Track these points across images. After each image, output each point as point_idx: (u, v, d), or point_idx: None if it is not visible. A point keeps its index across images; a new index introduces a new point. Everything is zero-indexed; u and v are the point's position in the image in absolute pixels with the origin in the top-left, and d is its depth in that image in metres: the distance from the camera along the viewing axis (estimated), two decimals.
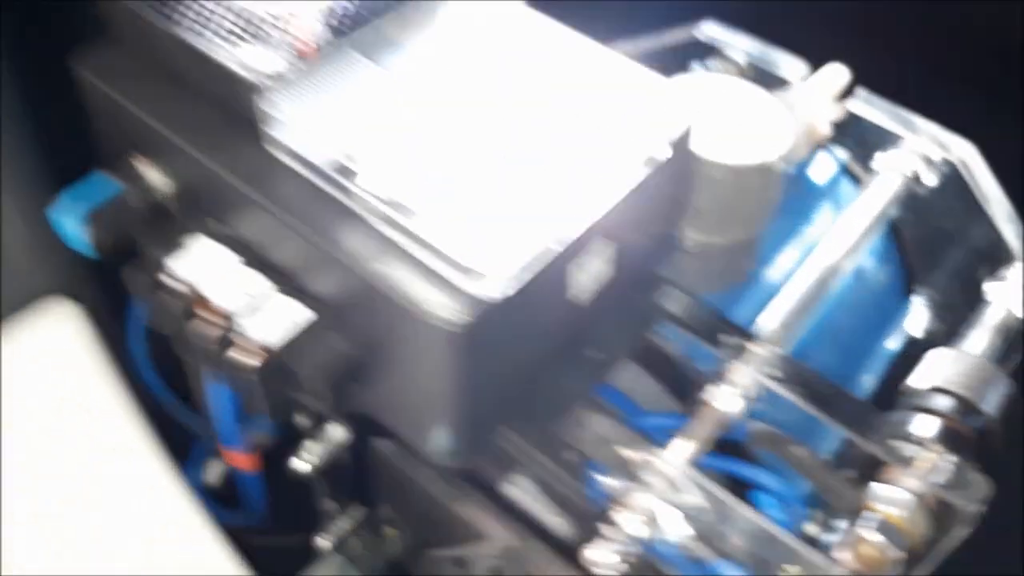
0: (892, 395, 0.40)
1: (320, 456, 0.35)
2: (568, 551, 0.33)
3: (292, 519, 0.38)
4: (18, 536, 0.29)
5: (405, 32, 0.27)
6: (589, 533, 0.32)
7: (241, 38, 0.25)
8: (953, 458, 0.29)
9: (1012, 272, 0.40)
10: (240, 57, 0.24)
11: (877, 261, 0.41)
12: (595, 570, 0.28)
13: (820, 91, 0.40)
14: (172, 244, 0.26)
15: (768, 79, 0.42)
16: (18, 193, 0.29)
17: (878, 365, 0.41)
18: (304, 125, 0.24)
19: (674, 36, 0.44)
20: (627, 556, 0.28)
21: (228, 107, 0.25)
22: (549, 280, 0.24)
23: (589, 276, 0.26)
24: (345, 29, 0.26)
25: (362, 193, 0.23)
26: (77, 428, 0.30)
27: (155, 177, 0.27)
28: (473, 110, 0.26)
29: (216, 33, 0.25)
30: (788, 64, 0.42)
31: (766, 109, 0.33)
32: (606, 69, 0.28)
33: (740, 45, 0.43)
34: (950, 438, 0.31)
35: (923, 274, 0.43)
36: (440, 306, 0.22)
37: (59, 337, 0.29)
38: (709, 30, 0.43)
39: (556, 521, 0.34)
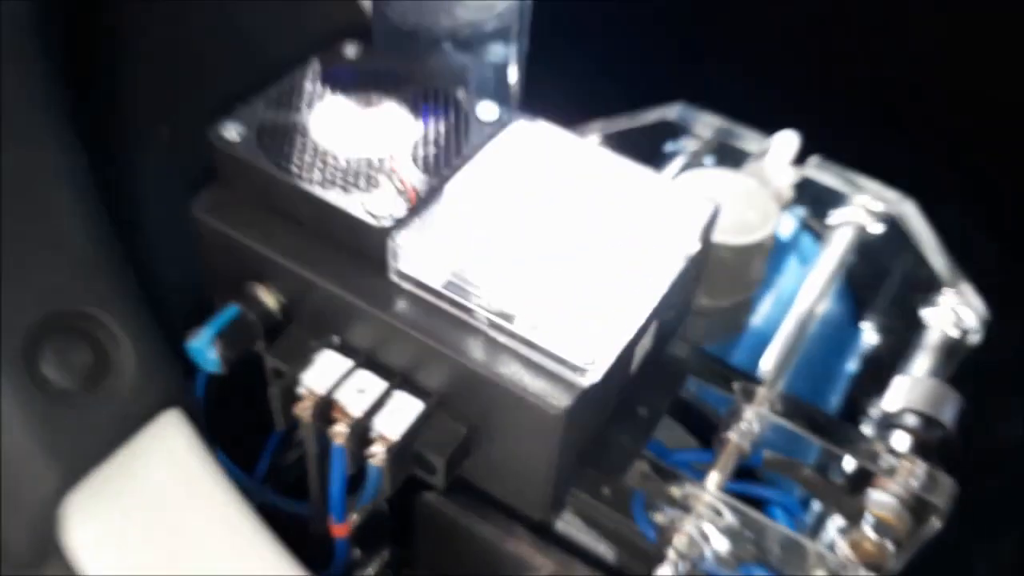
0: (854, 408, 0.48)
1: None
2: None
3: None
4: None
5: (480, 169, 0.33)
6: (636, 560, 0.38)
7: (355, 186, 0.30)
8: (924, 465, 0.37)
9: (943, 298, 0.48)
10: (366, 206, 0.29)
11: (834, 299, 0.48)
12: None
13: (778, 159, 0.48)
14: (292, 356, 0.32)
15: (733, 152, 0.50)
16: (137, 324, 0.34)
17: (841, 386, 0.49)
18: (422, 257, 0.30)
19: (648, 117, 0.51)
20: (686, 572, 0.34)
21: (353, 245, 0.30)
22: (622, 361, 0.30)
23: (642, 350, 0.33)
24: (431, 169, 0.32)
25: (475, 307, 0.29)
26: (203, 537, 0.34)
27: (270, 299, 0.32)
28: (548, 228, 0.32)
29: (331, 182, 0.30)
30: (748, 137, 0.50)
31: (753, 193, 0.40)
32: (637, 180, 0.34)
33: (707, 123, 0.50)
34: (920, 449, 0.38)
35: (869, 305, 0.51)
36: (547, 394, 0.28)
37: (180, 448, 0.34)
38: (680, 111, 0.50)
39: (602, 549, 0.40)
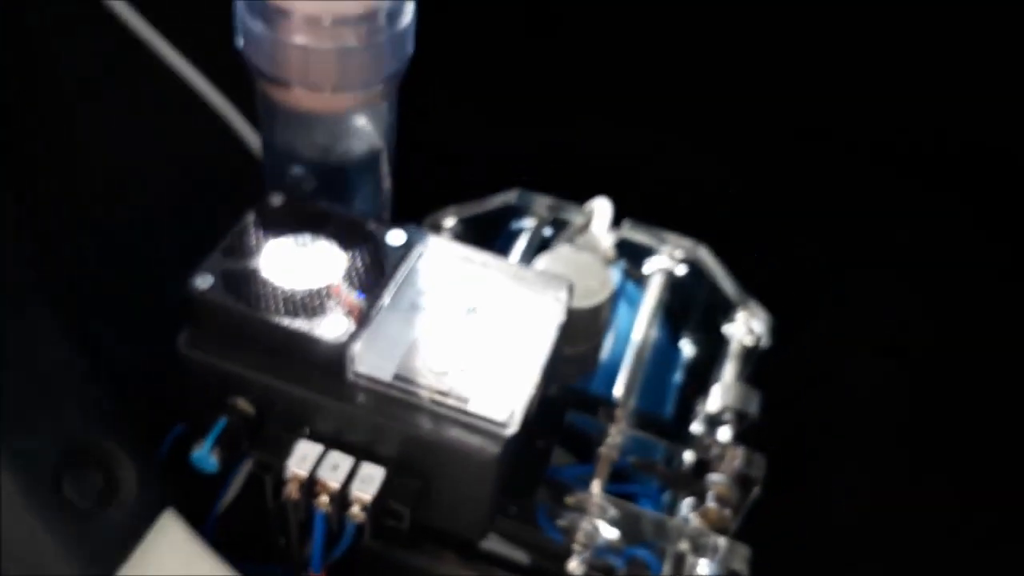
0: (686, 412, 0.61)
1: None
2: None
3: None
4: None
5: (400, 284, 0.43)
6: (548, 559, 0.49)
7: (311, 312, 0.39)
8: (743, 449, 0.50)
9: (737, 315, 0.63)
10: (323, 328, 0.39)
11: (657, 327, 0.62)
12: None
13: (600, 225, 0.61)
14: (274, 450, 0.40)
15: (562, 223, 0.62)
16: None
17: (672, 396, 0.62)
18: (372, 359, 0.39)
19: (495, 201, 0.63)
20: (589, 560, 0.45)
21: (314, 358, 0.39)
22: (528, 411, 0.41)
23: (536, 398, 0.44)
24: (365, 289, 0.41)
25: (418, 391, 0.39)
26: None
27: (249, 408, 0.41)
28: (456, 320, 0.42)
29: (290, 312, 0.39)
30: (572, 209, 0.63)
31: (592, 263, 0.52)
32: (511, 271, 0.45)
33: (540, 203, 0.62)
34: (738, 437, 0.52)
35: (683, 328, 0.64)
36: (483, 446, 0.39)
37: (180, 540, 0.41)
38: (519, 196, 0.62)
39: (519, 556, 0.50)
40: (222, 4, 0.46)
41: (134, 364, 0.46)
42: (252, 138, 0.62)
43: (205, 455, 0.39)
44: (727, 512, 0.48)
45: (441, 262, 0.45)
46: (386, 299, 0.42)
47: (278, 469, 0.40)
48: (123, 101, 0.57)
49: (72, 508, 0.39)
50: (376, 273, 0.42)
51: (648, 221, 0.62)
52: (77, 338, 0.40)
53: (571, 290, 0.45)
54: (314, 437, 0.41)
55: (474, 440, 0.39)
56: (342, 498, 0.39)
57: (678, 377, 0.63)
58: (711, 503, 0.48)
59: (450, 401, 0.39)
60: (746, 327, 0.61)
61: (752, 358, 0.61)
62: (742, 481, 0.49)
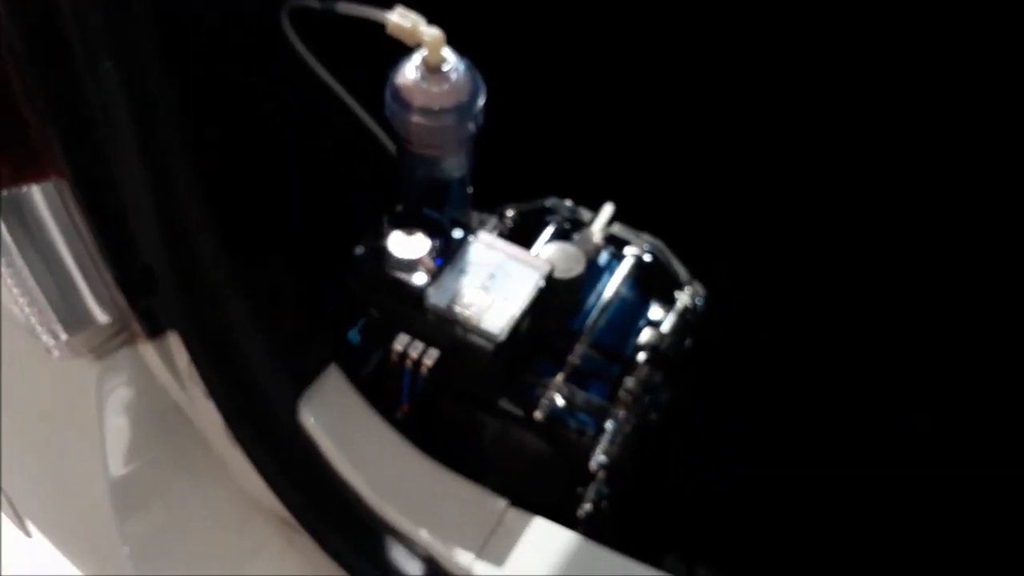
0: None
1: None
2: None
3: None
4: None
5: (458, 259, 0.82)
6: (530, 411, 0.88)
7: (409, 269, 0.79)
8: (647, 366, 0.86)
9: (686, 288, 0.98)
10: (413, 278, 0.78)
11: (629, 290, 0.98)
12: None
13: (599, 223, 0.97)
14: (387, 336, 0.80)
15: (578, 221, 0.99)
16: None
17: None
18: (436, 295, 0.79)
19: (537, 204, 1.00)
20: (547, 414, 0.84)
21: (408, 293, 0.79)
22: (516, 326, 0.79)
23: (524, 325, 0.82)
24: (437, 259, 0.80)
25: (457, 314, 0.78)
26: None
27: (376, 314, 0.81)
28: (482, 278, 0.81)
29: (399, 268, 0.79)
30: (585, 214, 0.99)
31: (574, 253, 0.89)
32: (524, 255, 0.83)
33: (564, 207, 0.99)
34: (649, 360, 0.88)
35: (651, 294, 1.01)
36: (484, 344, 0.77)
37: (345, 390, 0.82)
38: (552, 202, 1.00)
39: (515, 409, 0.89)
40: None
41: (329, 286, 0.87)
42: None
43: (355, 334, 0.80)
44: (628, 399, 0.85)
45: (482, 247, 0.83)
46: (449, 266, 0.81)
47: (388, 346, 0.80)
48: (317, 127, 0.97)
49: (290, 356, 0.80)
50: (445, 252, 0.81)
51: (636, 224, 0.99)
52: (299, 277, 0.82)
53: (551, 270, 0.83)
54: (409, 333, 0.81)
55: (481, 341, 0.78)
56: (416, 363, 0.79)
57: (643, 323, 0.99)
58: (622, 393, 0.85)
59: (471, 321, 0.78)
60: (689, 296, 0.97)
61: (690, 313, 0.97)
62: (645, 385, 0.86)
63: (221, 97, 0.74)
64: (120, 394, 0.81)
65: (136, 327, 0.79)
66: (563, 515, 0.91)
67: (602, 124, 1.28)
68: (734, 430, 1.16)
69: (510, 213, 1.00)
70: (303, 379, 0.81)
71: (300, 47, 0.90)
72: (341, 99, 0.96)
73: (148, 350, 0.81)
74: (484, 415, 0.88)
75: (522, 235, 1.00)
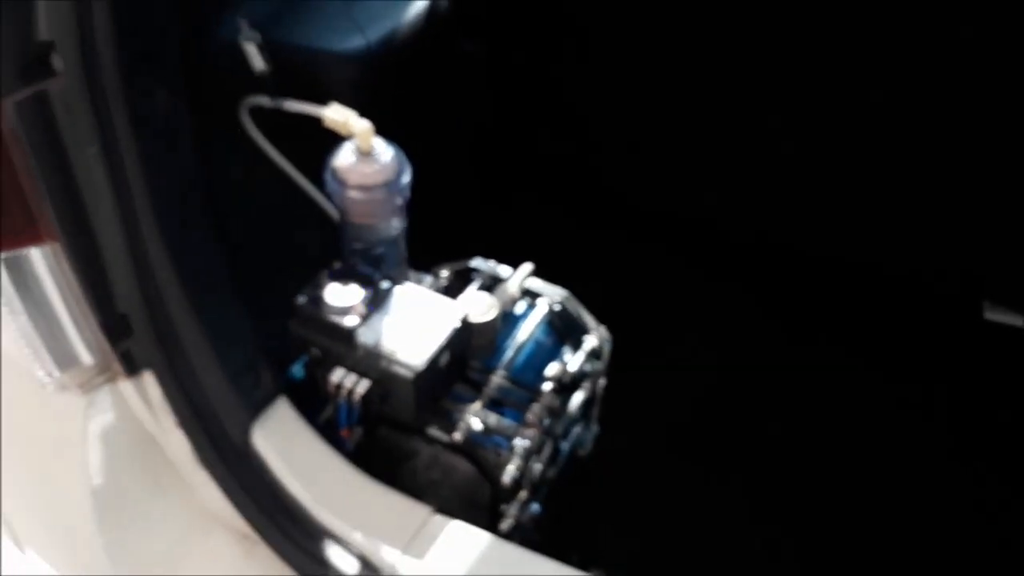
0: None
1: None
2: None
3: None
4: None
5: (385, 306, 0.98)
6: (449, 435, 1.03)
7: (343, 314, 0.95)
8: (551, 394, 1.02)
9: (592, 332, 1.14)
10: (345, 321, 0.94)
11: (544, 335, 1.14)
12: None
13: (516, 279, 1.14)
14: (324, 371, 0.96)
15: (497, 278, 1.16)
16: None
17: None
18: (365, 335, 0.95)
19: (465, 264, 1.17)
20: (465, 435, 0.98)
21: (341, 335, 0.95)
22: (434, 360, 0.95)
23: (443, 360, 0.97)
24: (367, 305, 0.97)
25: (382, 351, 0.94)
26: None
27: (317, 353, 0.97)
28: (404, 321, 0.97)
29: (333, 313, 0.95)
30: (504, 271, 1.16)
31: (490, 302, 1.05)
32: (438, 302, 1.00)
33: (486, 266, 1.16)
34: (554, 390, 1.03)
35: (565, 339, 1.16)
36: (405, 374, 0.93)
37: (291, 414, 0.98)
38: (476, 262, 1.17)
39: (440, 434, 1.04)
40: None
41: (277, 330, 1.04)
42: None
43: (298, 369, 0.96)
44: (535, 421, 1.00)
45: (407, 296, 1.00)
46: (378, 311, 0.97)
47: (326, 379, 0.96)
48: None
49: (244, 389, 0.96)
50: (375, 300, 0.98)
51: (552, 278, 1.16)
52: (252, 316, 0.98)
53: (466, 314, 0.99)
54: (343, 367, 0.96)
55: (403, 371, 0.93)
56: (350, 393, 0.95)
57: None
58: (530, 417, 1.00)
59: (394, 354, 0.94)
60: (596, 338, 1.13)
61: (599, 353, 1.13)
62: (549, 410, 1.01)
63: (185, 179, 0.92)
64: (102, 424, 0.96)
65: (116, 367, 0.95)
66: (491, 530, 1.05)
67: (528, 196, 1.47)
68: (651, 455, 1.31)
69: (443, 272, 1.17)
70: (255, 408, 0.97)
71: (257, 136, 1.09)
72: (291, 178, 1.14)
73: (127, 387, 0.97)
74: (418, 442, 1.03)
75: (452, 291, 1.17)
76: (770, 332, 1.56)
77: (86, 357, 0.91)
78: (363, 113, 1.01)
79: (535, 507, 1.12)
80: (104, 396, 0.96)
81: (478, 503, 1.04)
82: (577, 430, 1.21)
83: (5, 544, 0.93)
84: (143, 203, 0.87)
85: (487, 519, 1.06)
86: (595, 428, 1.26)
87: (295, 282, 0.98)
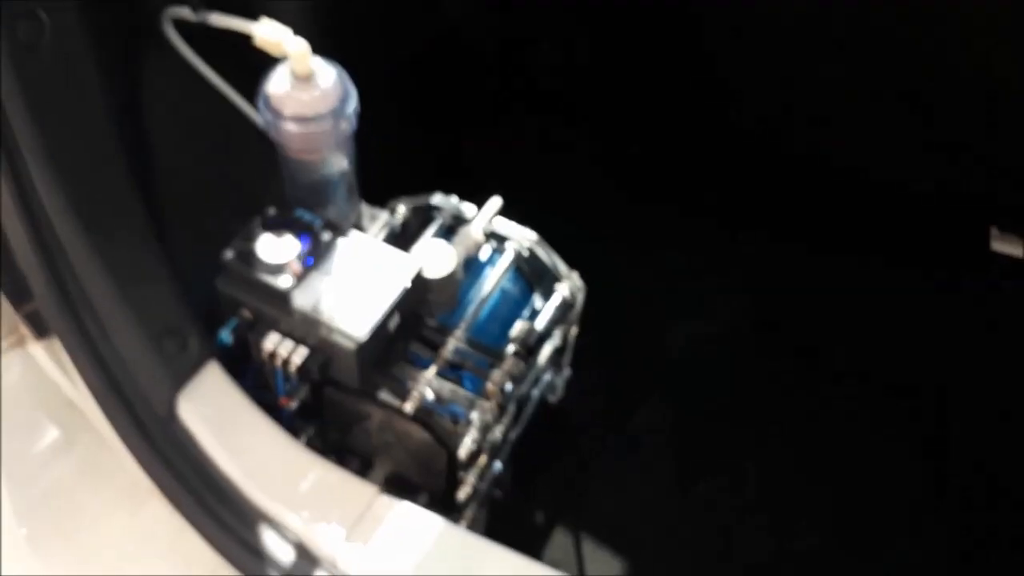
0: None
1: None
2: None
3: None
4: None
5: (327, 261, 0.86)
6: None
7: (275, 272, 0.83)
8: (513, 359, 0.91)
9: (565, 280, 1.03)
10: (278, 282, 0.82)
11: (511, 282, 1.02)
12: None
13: (481, 219, 1.01)
14: (257, 336, 0.85)
15: (461, 219, 1.03)
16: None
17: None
18: (302, 297, 0.83)
19: (424, 199, 1.04)
20: (418, 406, 0.88)
21: (275, 296, 0.83)
22: (378, 330, 0.84)
23: (392, 323, 0.86)
24: (304, 262, 0.84)
25: (321, 316, 0.83)
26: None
27: (248, 315, 0.85)
28: (349, 278, 0.85)
29: (266, 271, 0.83)
30: (470, 210, 1.03)
31: (447, 251, 0.93)
32: (392, 255, 0.87)
33: (449, 204, 1.03)
34: (518, 353, 0.93)
35: (534, 285, 1.05)
36: (346, 344, 0.82)
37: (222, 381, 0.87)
38: (436, 199, 1.03)
39: (391, 399, 0.94)
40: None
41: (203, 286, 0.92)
42: None
43: (226, 334, 0.85)
44: (495, 390, 0.90)
45: (351, 249, 0.88)
46: (317, 268, 0.85)
47: (259, 346, 0.85)
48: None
49: (167, 354, 0.85)
50: (315, 253, 0.85)
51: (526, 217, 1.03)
52: (178, 269, 0.86)
53: (419, 270, 0.87)
54: (278, 332, 0.85)
55: (344, 341, 0.82)
56: (285, 362, 0.84)
57: (526, 315, 1.04)
58: (489, 386, 0.90)
59: (334, 322, 0.82)
60: (568, 287, 1.01)
61: (571, 304, 1.02)
62: (512, 377, 0.91)
63: (85, 111, 0.78)
64: (11, 390, 0.85)
65: (24, 329, 0.83)
66: (447, 500, 0.97)
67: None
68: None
69: (400, 208, 1.04)
70: (181, 375, 0.86)
71: (184, 49, 0.93)
72: (226, 97, 0.99)
73: (38, 350, 0.86)
74: (368, 404, 0.93)
75: (411, 230, 1.04)
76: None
77: None
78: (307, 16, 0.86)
79: (497, 466, 1.04)
80: (14, 359, 0.84)
81: (434, 469, 0.95)
82: (547, 377, 1.12)
83: (5, 544, 0.84)
84: (29, 139, 0.73)
85: (444, 485, 0.97)
86: (567, 372, 1.16)
87: (237, 222, 0.86)
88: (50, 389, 0.87)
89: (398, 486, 1.00)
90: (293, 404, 0.91)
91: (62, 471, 0.89)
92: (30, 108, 0.72)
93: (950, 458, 1.21)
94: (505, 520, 1.10)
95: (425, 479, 0.98)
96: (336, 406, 0.96)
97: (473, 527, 1.02)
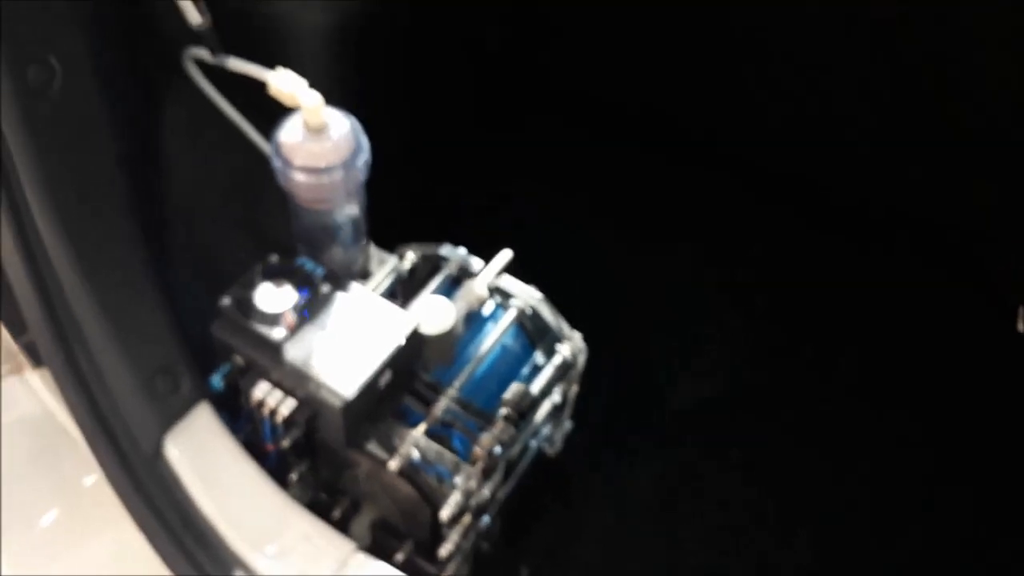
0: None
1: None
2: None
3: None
4: None
5: (324, 314, 0.85)
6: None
7: (271, 323, 0.83)
8: (503, 423, 0.90)
9: (567, 341, 1.01)
10: (272, 333, 0.82)
11: (513, 339, 1.01)
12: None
13: (490, 272, 1.00)
14: (248, 383, 0.85)
15: (467, 272, 1.02)
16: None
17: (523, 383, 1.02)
18: (294, 351, 0.83)
19: (433, 249, 1.03)
20: (403, 464, 0.88)
21: (267, 348, 0.83)
22: (370, 385, 0.83)
23: (384, 380, 0.86)
24: (300, 313, 0.84)
25: (311, 371, 0.82)
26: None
27: (240, 362, 0.85)
28: (343, 333, 0.85)
29: (261, 321, 0.83)
30: (475, 262, 1.02)
31: (445, 307, 0.92)
32: (386, 310, 0.87)
33: (457, 256, 1.02)
34: (508, 416, 0.91)
35: (536, 342, 1.03)
36: (333, 402, 0.82)
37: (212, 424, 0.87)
38: (445, 249, 1.03)
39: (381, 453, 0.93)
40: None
41: (198, 328, 0.92)
42: None
43: (216, 380, 0.85)
44: (482, 455, 0.89)
45: (348, 303, 0.87)
46: (312, 321, 0.85)
47: (248, 394, 0.85)
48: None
49: (158, 394, 0.85)
50: (312, 305, 0.85)
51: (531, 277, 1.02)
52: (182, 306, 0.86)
53: (415, 328, 0.86)
54: (269, 381, 0.85)
55: (331, 398, 0.82)
56: (272, 412, 0.84)
57: (527, 372, 1.03)
58: (477, 450, 0.89)
59: (323, 378, 0.82)
60: (569, 348, 1.00)
61: (572, 366, 1.00)
62: (501, 442, 0.90)
63: (86, 144, 0.78)
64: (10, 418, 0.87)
65: (22, 357, 0.84)
66: (431, 550, 0.96)
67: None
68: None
69: (409, 255, 1.04)
70: (171, 416, 0.86)
71: (205, 86, 0.94)
72: (244, 134, 1.00)
73: (35, 378, 0.87)
74: (356, 454, 0.92)
75: (418, 277, 1.03)
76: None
77: None
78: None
79: (485, 520, 1.03)
80: (11, 387, 0.86)
81: (419, 520, 0.95)
82: (545, 430, 1.11)
83: (7, 530, 0.85)
84: (31, 180, 0.74)
85: (429, 536, 0.96)
86: (568, 425, 1.15)
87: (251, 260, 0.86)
88: (46, 417, 0.88)
89: (385, 530, 1.00)
90: (285, 443, 0.90)
91: (55, 500, 0.90)
92: (33, 151, 0.73)
93: None
94: (491, 573, 1.09)
95: (411, 528, 0.98)
96: (327, 449, 0.96)
97: None
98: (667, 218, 1.47)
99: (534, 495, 1.14)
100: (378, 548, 0.96)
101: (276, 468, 0.90)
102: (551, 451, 1.15)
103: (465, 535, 0.97)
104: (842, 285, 1.41)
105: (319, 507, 0.97)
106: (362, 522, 1.00)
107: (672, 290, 1.41)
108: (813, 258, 1.44)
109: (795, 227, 1.47)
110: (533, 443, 1.09)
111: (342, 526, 0.97)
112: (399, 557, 0.98)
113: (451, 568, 1.00)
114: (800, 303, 1.40)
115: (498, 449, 0.91)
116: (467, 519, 0.97)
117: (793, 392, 1.32)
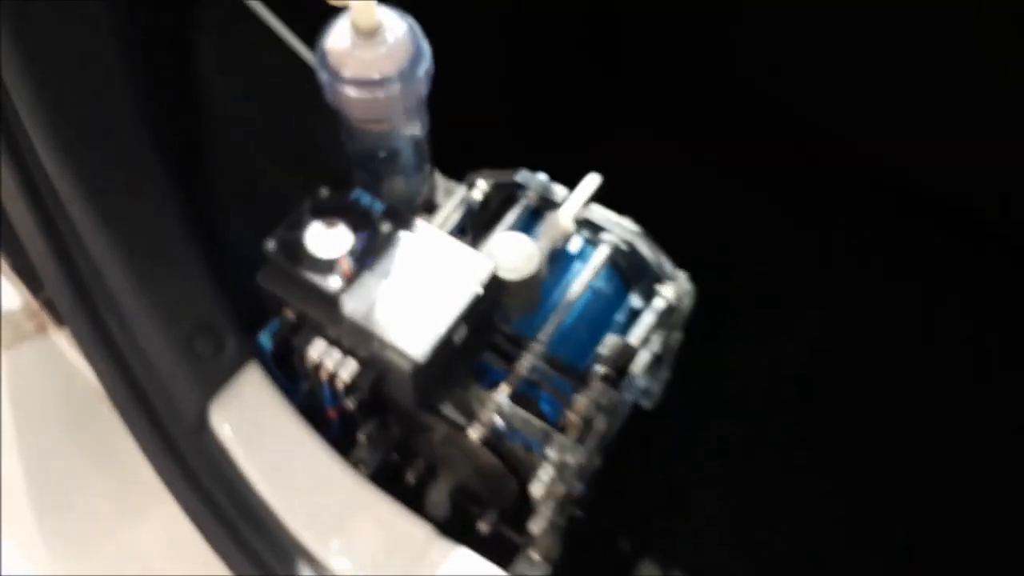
0: None
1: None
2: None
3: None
4: None
5: (384, 258, 0.71)
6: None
7: (324, 270, 0.69)
8: (602, 384, 0.76)
9: (668, 283, 0.86)
10: (327, 283, 0.68)
11: (605, 281, 0.86)
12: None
13: (576, 200, 0.84)
14: (302, 342, 0.72)
15: (549, 202, 0.87)
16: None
17: (616, 331, 0.87)
18: (352, 303, 0.69)
19: (508, 175, 0.88)
20: (486, 432, 0.74)
21: (322, 298, 0.69)
22: (444, 342, 0.69)
23: (459, 336, 0.72)
24: (358, 259, 0.70)
25: (373, 327, 0.69)
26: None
27: (291, 316, 0.72)
28: (408, 282, 0.71)
29: (312, 269, 0.69)
30: (558, 190, 0.87)
31: (526, 246, 0.77)
32: (458, 251, 0.72)
33: (536, 183, 0.87)
34: (607, 376, 0.77)
35: (631, 283, 0.88)
36: (402, 364, 0.68)
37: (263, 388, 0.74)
38: (522, 176, 0.87)
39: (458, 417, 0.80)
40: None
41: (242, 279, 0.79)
42: None
43: (265, 339, 0.72)
44: (579, 421, 0.75)
45: (414, 244, 0.73)
46: (373, 267, 0.71)
47: (303, 354, 0.72)
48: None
49: (198, 355, 0.73)
50: (371, 248, 0.71)
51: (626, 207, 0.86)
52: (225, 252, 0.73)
53: (493, 272, 0.72)
54: (326, 339, 0.72)
55: (400, 361, 0.68)
56: (331, 375, 0.71)
57: (621, 318, 0.88)
58: (571, 415, 0.75)
59: (389, 336, 0.68)
60: (672, 292, 0.85)
61: (677, 311, 0.85)
62: (598, 406, 0.76)
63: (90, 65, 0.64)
64: (26, 378, 0.75)
65: (45, 315, 0.73)
66: (518, 521, 0.83)
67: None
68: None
69: (480, 183, 0.89)
70: (215, 380, 0.74)
71: None
72: (291, 49, 0.85)
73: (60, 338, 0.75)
74: (431, 417, 0.79)
75: (491, 209, 0.89)
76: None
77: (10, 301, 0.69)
78: None
79: (578, 487, 0.89)
80: (33, 345, 0.74)
81: (504, 491, 0.82)
82: (642, 382, 0.96)
83: (7, 530, 0.75)
84: (28, 104, 0.61)
85: (515, 506, 0.84)
86: (665, 374, 1.00)
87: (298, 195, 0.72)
88: (72, 378, 0.77)
89: (465, 497, 0.88)
90: (350, 404, 0.78)
91: (74, 468, 0.79)
92: (24, 56, 0.59)
93: None
94: (586, 546, 0.96)
95: (495, 497, 0.85)
96: (398, 406, 0.83)
97: (550, 556, 0.89)
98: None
99: (627, 451, 1.00)
100: (458, 517, 0.84)
101: (340, 435, 0.78)
102: (648, 404, 1.01)
103: (558, 509, 0.84)
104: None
105: (391, 470, 0.85)
106: (441, 489, 0.87)
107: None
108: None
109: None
110: (628, 396, 0.94)
111: (418, 492, 0.85)
112: (483, 527, 0.86)
113: (544, 542, 0.87)
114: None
115: (595, 416, 0.77)
116: (559, 491, 0.83)
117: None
